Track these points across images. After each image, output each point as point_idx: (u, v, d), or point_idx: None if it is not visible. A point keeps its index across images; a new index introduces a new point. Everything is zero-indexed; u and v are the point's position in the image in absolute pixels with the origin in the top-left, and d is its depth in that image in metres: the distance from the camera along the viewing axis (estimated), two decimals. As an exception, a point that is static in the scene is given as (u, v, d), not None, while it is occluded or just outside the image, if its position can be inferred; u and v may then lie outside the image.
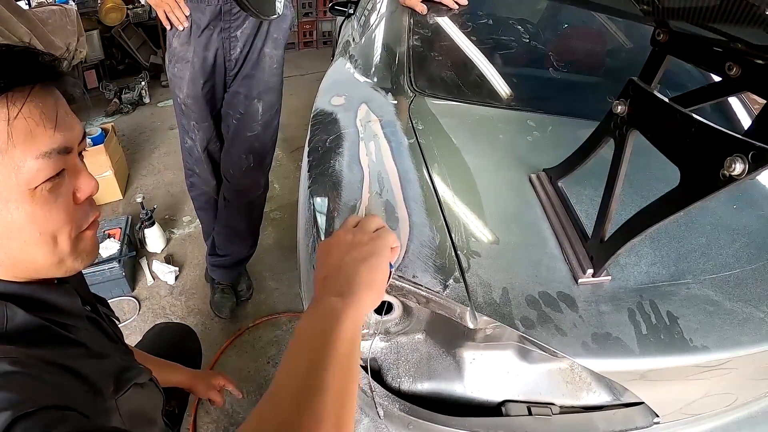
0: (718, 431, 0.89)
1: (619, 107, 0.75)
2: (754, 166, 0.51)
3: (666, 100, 0.66)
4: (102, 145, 2.43)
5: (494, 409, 0.78)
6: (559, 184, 0.91)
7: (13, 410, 0.40)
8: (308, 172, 1.02)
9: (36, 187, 0.50)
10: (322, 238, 0.83)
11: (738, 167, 0.52)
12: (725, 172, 0.53)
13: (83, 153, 0.59)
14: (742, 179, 0.52)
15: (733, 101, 1.44)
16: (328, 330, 0.49)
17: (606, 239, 0.74)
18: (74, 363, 0.53)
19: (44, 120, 0.50)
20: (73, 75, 3.35)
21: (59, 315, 0.57)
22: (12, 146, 0.47)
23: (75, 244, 0.56)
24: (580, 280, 0.77)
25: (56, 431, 0.40)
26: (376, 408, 0.75)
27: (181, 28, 1.42)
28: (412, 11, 1.50)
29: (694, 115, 0.60)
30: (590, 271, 0.76)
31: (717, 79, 0.65)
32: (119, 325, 0.83)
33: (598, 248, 0.75)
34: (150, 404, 0.73)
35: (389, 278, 0.60)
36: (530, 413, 0.76)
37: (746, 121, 1.39)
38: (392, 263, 0.62)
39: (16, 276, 0.54)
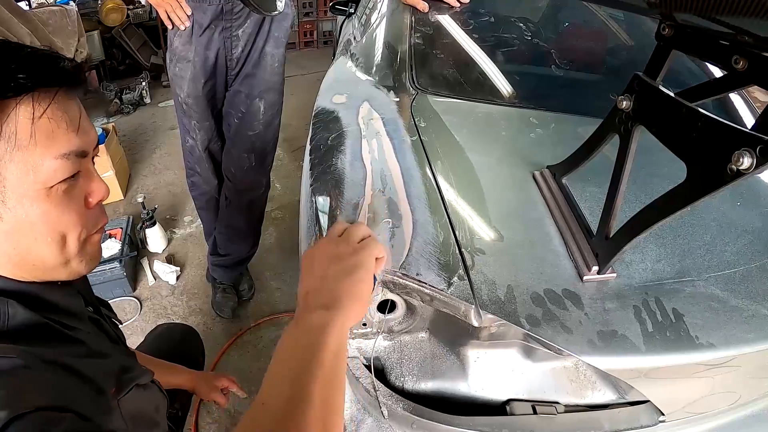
0: (722, 430, 0.88)
1: (624, 103, 0.74)
2: (762, 160, 0.51)
3: (672, 94, 0.66)
4: (103, 146, 2.44)
5: (499, 408, 0.77)
6: (563, 181, 0.90)
7: (9, 410, 0.40)
8: (310, 170, 1.01)
9: (52, 187, 0.51)
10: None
11: (746, 161, 0.51)
12: (733, 166, 0.53)
13: (94, 159, 0.60)
14: (750, 173, 0.52)
15: (735, 98, 1.43)
16: (312, 345, 0.48)
17: (611, 236, 0.74)
18: (75, 362, 0.53)
19: (66, 122, 0.51)
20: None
21: (60, 314, 0.57)
22: (33, 145, 0.49)
23: (82, 247, 0.57)
24: (585, 278, 0.76)
25: (53, 431, 0.40)
26: (380, 407, 0.74)
27: (182, 27, 1.41)
28: (414, 9, 1.49)
29: (701, 110, 0.59)
30: (595, 268, 0.76)
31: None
32: (121, 326, 0.83)
33: (603, 245, 0.75)
34: (152, 406, 0.72)
35: (374, 290, 0.58)
36: (535, 412, 0.75)
37: (748, 117, 1.38)
38: (376, 275, 0.59)
39: (22, 275, 0.54)
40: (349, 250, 0.58)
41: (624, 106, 0.74)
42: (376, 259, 0.59)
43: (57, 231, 0.53)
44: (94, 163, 0.59)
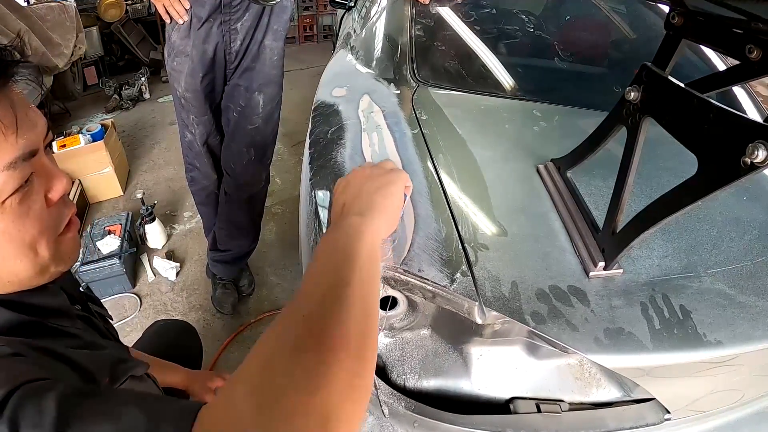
0: (725, 428, 0.87)
1: (632, 94, 0.72)
2: (778, 153, 0.49)
3: (682, 85, 0.64)
4: (102, 142, 2.42)
5: (502, 407, 0.76)
6: (568, 174, 0.88)
7: (3, 389, 0.38)
8: (310, 164, 1.00)
9: (4, 201, 0.45)
10: (324, 231, 0.80)
11: (761, 154, 0.50)
12: (747, 159, 0.51)
13: (50, 147, 0.55)
14: (766, 166, 0.50)
15: (739, 92, 1.41)
16: (349, 245, 0.50)
17: (618, 231, 0.72)
18: (67, 351, 0.50)
19: (1, 128, 0.44)
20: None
21: (48, 314, 0.55)
22: None
23: (55, 250, 0.52)
24: (591, 274, 0.75)
25: (50, 394, 0.38)
26: (381, 406, 0.73)
27: (181, 21, 1.40)
28: (414, 1, 1.47)
29: (713, 101, 0.58)
30: (602, 264, 0.74)
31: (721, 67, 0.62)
32: (118, 323, 0.81)
33: (609, 240, 0.73)
34: None
35: (403, 206, 0.64)
36: (539, 410, 0.74)
37: (752, 111, 1.36)
38: (407, 194, 0.65)
39: None
40: (383, 171, 0.63)
41: (632, 97, 0.72)
42: (405, 187, 0.64)
43: (23, 246, 0.48)
44: (50, 152, 0.54)
